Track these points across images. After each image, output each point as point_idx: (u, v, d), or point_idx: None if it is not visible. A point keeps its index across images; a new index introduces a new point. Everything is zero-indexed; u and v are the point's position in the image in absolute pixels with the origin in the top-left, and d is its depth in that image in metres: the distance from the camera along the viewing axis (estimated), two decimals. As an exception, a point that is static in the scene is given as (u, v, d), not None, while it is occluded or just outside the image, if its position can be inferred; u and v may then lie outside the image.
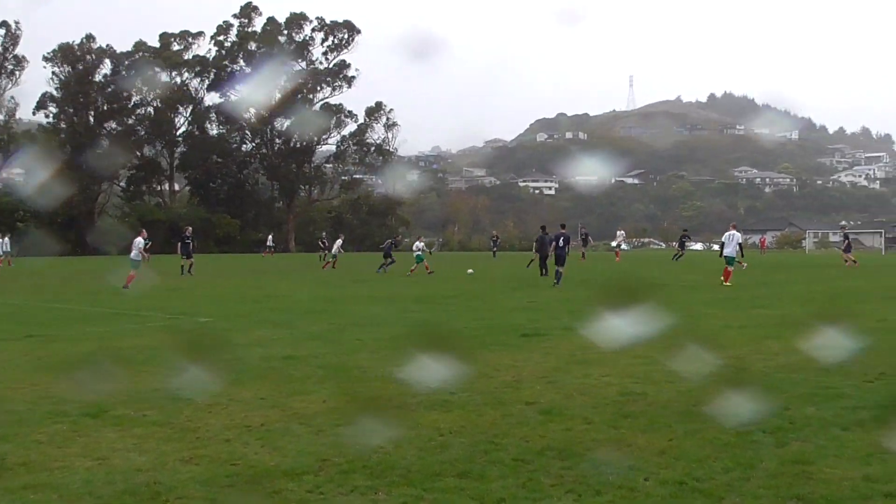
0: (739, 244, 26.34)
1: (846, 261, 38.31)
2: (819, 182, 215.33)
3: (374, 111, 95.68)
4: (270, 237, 65.88)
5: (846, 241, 41.31)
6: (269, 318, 16.64)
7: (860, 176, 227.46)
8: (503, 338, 13.00)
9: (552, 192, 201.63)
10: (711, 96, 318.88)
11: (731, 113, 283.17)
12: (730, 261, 26.11)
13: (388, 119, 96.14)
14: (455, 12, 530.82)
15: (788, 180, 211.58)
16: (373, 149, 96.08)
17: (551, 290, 24.02)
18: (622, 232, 58.21)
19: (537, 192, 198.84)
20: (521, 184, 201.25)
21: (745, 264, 31.39)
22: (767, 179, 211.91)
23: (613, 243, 55.46)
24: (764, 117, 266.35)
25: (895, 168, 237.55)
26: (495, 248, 57.98)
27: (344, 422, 7.43)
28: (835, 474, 5.74)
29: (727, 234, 27.00)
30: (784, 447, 6.42)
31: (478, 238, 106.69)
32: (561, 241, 26.15)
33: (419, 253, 35.40)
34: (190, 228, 36.61)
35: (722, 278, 25.48)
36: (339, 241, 44.09)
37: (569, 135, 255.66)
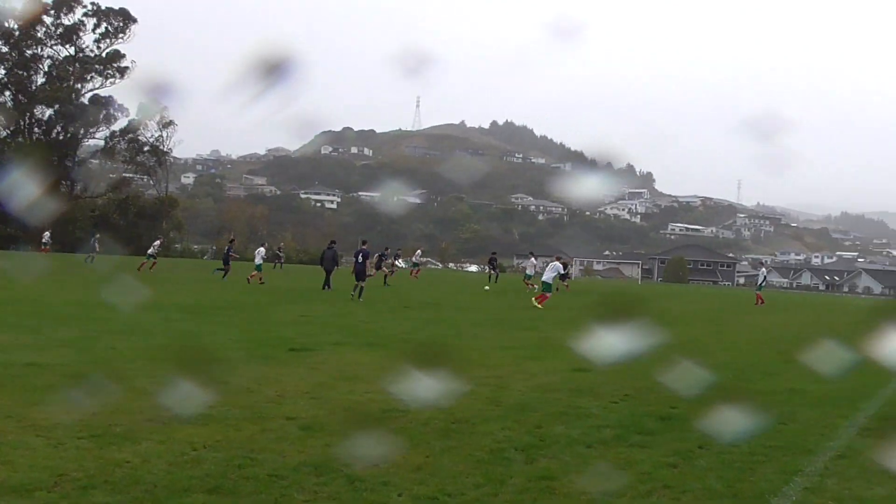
0: (561, 273, 28.99)
1: (566, 286, 41.63)
2: (587, 213, 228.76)
3: (149, 107, 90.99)
4: (48, 234, 60.73)
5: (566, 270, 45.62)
6: (12, 322, 15.34)
7: (623, 210, 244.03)
8: (270, 351, 12.73)
9: (334, 205, 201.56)
10: (494, 123, 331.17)
11: (511, 141, 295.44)
12: (547, 287, 28.20)
13: (163, 117, 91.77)
14: (245, 14, 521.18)
15: (560, 209, 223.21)
16: (145, 147, 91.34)
17: (325, 304, 23.95)
18: (420, 251, 60.62)
19: (319, 205, 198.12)
20: (303, 195, 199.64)
21: (568, 286, 34.31)
22: (542, 207, 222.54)
23: (402, 262, 57.35)
24: (541, 148, 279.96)
25: (654, 204, 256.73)
26: (280, 261, 57.62)
27: (87, 434, 6.95)
28: (575, 489, 6.03)
29: (551, 263, 29.40)
30: (533, 463, 6.68)
31: (254, 248, 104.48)
32: (360, 256, 27.29)
33: (259, 261, 35.42)
34: None
35: (536, 302, 27.17)
36: (156, 242, 42.24)
37: (354, 150, 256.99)
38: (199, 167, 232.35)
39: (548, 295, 27.73)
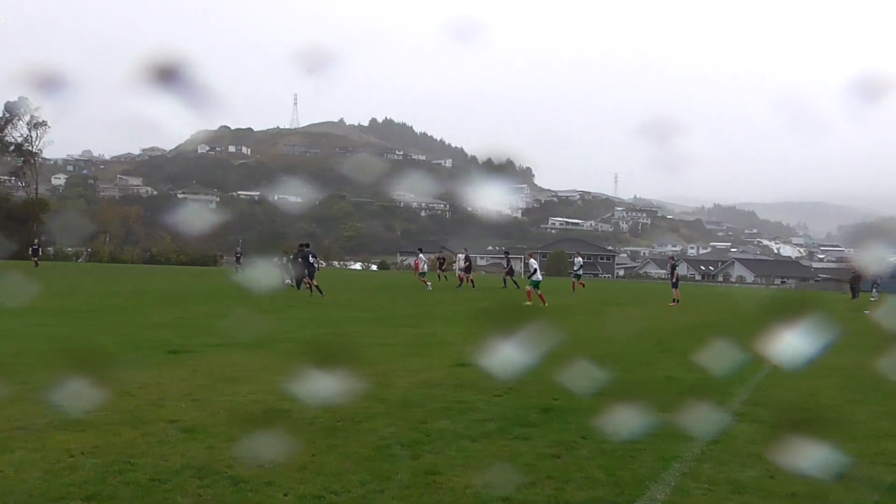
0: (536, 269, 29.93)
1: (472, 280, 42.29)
2: (469, 209, 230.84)
3: (16, 107, 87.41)
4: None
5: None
6: None
7: (504, 205, 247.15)
8: (148, 354, 12.40)
9: (213, 205, 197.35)
10: (373, 121, 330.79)
11: (391, 138, 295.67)
12: (536, 284, 29.73)
13: (33, 117, 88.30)
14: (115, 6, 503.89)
15: (442, 206, 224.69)
16: (11, 147, 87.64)
17: (204, 305, 23.54)
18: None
19: (197, 204, 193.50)
20: (180, 195, 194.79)
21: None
22: (424, 204, 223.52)
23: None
24: (421, 145, 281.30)
25: (534, 199, 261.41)
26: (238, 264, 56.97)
27: (-44, 445, 6.68)
28: (460, 483, 6.12)
29: (530, 261, 30.82)
30: (418, 459, 6.74)
31: (130, 249, 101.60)
32: (310, 257, 30.69)
33: None
34: None
35: (540, 301, 28.85)
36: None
37: (232, 148, 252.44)
38: (70, 168, 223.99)
39: (537, 291, 29.30)
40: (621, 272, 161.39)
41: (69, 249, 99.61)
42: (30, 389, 9.16)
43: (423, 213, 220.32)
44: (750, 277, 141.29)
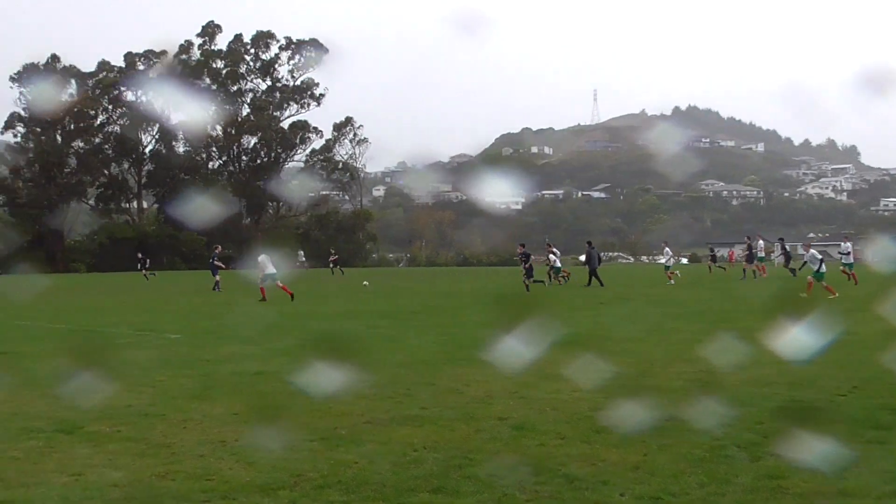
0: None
1: (755, 270, 39.39)
2: (786, 194, 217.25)
3: (342, 127, 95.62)
4: (302, 253, 62.62)
5: (748, 252, 41.20)
6: (236, 335, 16.42)
7: (827, 188, 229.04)
8: (472, 353, 12.89)
9: (519, 206, 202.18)
10: (676, 109, 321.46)
11: (696, 126, 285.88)
12: (822, 276, 25.39)
13: (356, 135, 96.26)
14: (417, 25, 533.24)
15: (755, 193, 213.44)
16: (340, 165, 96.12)
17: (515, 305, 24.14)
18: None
19: (503, 206, 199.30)
20: (488, 199, 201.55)
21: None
22: (735, 192, 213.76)
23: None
24: (729, 130, 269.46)
25: (861, 180, 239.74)
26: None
27: (317, 437, 7.36)
28: (809, 488, 5.71)
29: (810, 253, 26.17)
30: (758, 461, 6.40)
31: (444, 253, 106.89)
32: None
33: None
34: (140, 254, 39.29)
35: (829, 293, 24.74)
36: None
37: (534, 149, 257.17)
38: (387, 179, 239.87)
39: (822, 283, 24.91)
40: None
41: (390, 255, 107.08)
42: (371, 385, 9.87)
43: (734, 202, 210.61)
44: None
